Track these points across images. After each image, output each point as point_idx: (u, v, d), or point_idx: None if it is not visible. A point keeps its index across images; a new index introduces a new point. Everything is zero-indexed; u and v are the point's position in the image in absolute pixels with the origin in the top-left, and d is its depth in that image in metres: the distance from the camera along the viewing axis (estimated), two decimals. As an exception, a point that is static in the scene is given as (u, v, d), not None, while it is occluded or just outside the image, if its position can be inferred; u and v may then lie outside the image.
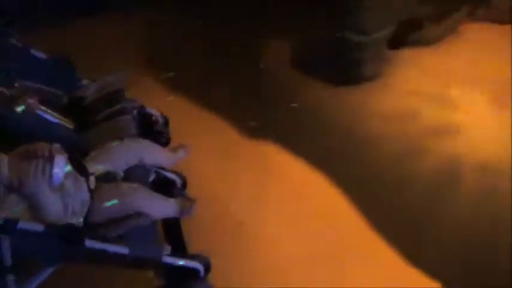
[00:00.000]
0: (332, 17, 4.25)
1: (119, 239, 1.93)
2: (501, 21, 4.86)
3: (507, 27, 4.86)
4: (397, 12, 4.22)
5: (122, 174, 2.15)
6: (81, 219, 1.94)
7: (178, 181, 2.41)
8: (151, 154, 2.27)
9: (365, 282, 2.84)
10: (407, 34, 4.61)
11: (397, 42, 4.59)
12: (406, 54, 4.60)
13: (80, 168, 2.01)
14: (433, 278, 2.87)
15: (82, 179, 1.99)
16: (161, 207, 2.11)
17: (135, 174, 2.17)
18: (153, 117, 2.47)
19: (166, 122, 2.51)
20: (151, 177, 2.23)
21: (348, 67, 4.27)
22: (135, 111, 2.38)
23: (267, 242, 3.02)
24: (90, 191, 1.98)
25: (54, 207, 1.87)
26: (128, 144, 2.23)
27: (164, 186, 2.28)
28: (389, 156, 3.69)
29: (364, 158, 3.70)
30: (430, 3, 4.38)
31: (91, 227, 1.94)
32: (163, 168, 2.36)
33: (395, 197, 3.40)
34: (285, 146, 3.73)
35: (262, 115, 4.00)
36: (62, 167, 1.90)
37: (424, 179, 3.49)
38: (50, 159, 1.87)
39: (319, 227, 3.15)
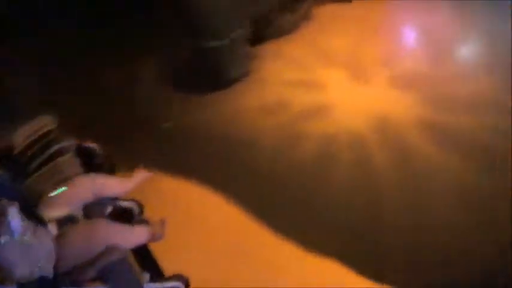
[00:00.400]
0: (187, 28, 4.19)
1: (95, 281, 1.90)
2: (339, 1, 5.20)
3: (354, 4, 5.20)
4: (248, 12, 4.28)
5: (81, 214, 2.09)
6: (51, 270, 1.84)
7: (135, 208, 2.37)
8: (105, 187, 2.21)
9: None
10: (267, 28, 4.69)
11: (259, 37, 4.67)
12: (270, 47, 4.75)
13: (35, 219, 1.92)
14: (327, 256, 2.97)
15: (41, 228, 1.89)
16: (132, 236, 2.08)
17: (92, 210, 2.14)
18: (93, 151, 2.44)
19: (107, 154, 2.51)
20: (109, 210, 2.20)
21: (213, 73, 4.24)
22: (73, 149, 2.34)
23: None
24: (53, 239, 1.90)
25: (21, 264, 1.77)
26: (80, 183, 2.16)
27: (123, 215, 2.27)
28: (268, 150, 3.78)
29: (246, 159, 3.78)
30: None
31: (65, 274, 1.88)
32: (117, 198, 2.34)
33: (281, 188, 3.50)
34: (168, 170, 3.61)
35: (139, 143, 3.86)
36: (17, 217, 1.79)
37: (305, 164, 3.65)
38: (2, 214, 1.77)
39: (220, 243, 3.09)
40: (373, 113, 4.00)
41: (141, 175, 2.37)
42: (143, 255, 2.18)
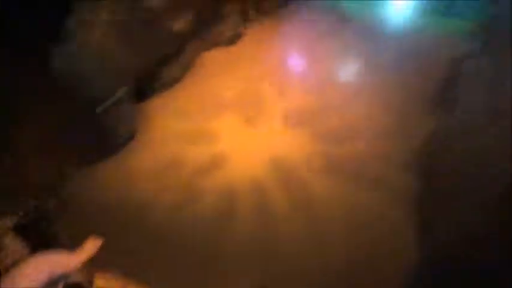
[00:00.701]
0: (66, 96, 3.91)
1: None
2: (231, 43, 5.25)
3: (240, 46, 5.27)
4: (130, 69, 4.11)
5: None
6: None
7: (85, 281, 2.25)
8: (59, 265, 2.03)
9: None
10: (152, 82, 4.55)
11: (145, 92, 4.51)
12: (158, 101, 4.59)
13: None
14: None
15: None
16: None
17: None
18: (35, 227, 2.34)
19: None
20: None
21: (99, 138, 3.99)
22: (13, 224, 2.22)
23: None
24: None
25: None
26: (33, 266, 1.94)
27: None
28: (167, 212, 3.61)
29: (145, 224, 3.55)
30: (157, 50, 4.36)
31: None
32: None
33: (182, 249, 3.38)
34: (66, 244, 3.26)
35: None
36: None
37: (207, 220, 3.56)
38: None
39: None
40: (268, 156, 4.02)
41: (91, 245, 2.22)
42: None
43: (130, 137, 4.19)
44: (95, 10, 3.84)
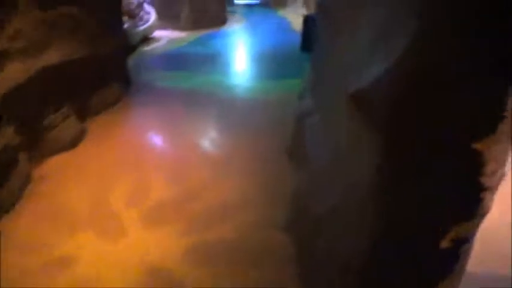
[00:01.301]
0: None
1: None
2: (72, 146, 4.87)
3: (81, 148, 4.89)
4: None
5: None
6: None
7: None
8: None
9: None
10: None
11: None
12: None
13: None
14: None
15: None
16: None
17: None
18: None
19: None
20: None
21: None
22: None
23: None
24: None
25: None
26: None
27: None
28: None
29: None
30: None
31: None
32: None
33: None
34: None
35: None
36: None
37: None
38: None
39: None
40: (136, 267, 3.60)
41: None
42: None
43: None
44: None
